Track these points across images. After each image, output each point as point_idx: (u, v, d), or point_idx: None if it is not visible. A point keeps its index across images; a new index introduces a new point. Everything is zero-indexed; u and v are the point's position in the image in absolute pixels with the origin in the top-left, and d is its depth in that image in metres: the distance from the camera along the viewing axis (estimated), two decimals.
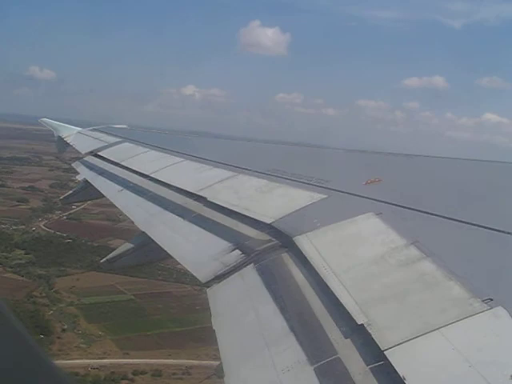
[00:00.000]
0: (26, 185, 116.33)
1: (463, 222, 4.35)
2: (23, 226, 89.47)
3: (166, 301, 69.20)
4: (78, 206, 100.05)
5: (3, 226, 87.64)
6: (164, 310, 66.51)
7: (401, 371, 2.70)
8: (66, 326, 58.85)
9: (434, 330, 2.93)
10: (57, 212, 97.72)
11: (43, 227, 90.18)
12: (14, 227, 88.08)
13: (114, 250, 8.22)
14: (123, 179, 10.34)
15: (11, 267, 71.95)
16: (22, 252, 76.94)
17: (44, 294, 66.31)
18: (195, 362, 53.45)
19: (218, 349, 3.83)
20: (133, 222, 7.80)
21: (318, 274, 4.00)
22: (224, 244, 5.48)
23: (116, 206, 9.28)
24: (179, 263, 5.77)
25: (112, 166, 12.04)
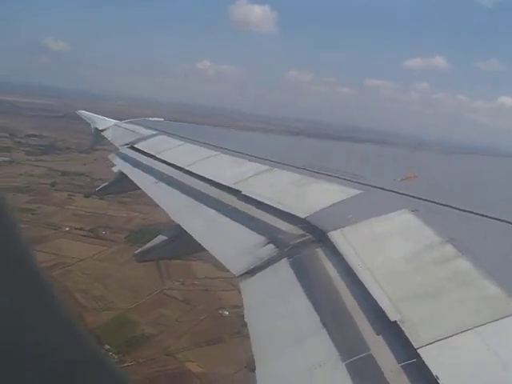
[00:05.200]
0: None
1: (500, 220, 4.28)
2: None
3: None
4: None
5: None
6: None
7: (434, 370, 2.67)
8: None
9: (469, 329, 2.89)
10: None
11: None
12: None
13: None
14: (158, 172, 10.39)
15: None
16: None
17: None
18: None
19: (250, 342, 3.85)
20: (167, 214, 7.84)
21: (351, 269, 3.99)
22: (258, 238, 5.48)
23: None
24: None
25: (147, 158, 12.10)
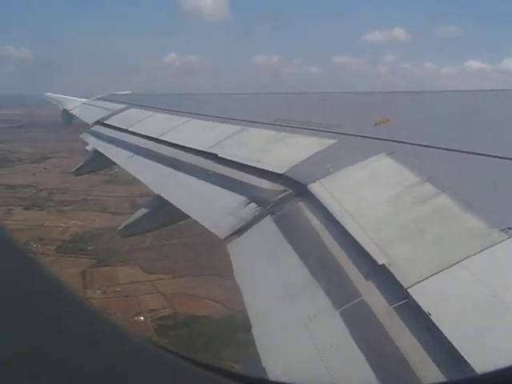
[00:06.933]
0: None
1: (475, 153, 4.31)
2: None
3: None
4: None
5: None
6: None
7: (425, 307, 2.72)
8: None
9: (455, 263, 2.93)
10: None
11: None
12: None
13: None
14: (133, 145, 10.33)
15: None
16: None
17: None
18: None
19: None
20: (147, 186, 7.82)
21: (335, 218, 4.01)
22: (239, 198, 5.48)
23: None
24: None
25: (120, 132, 12.01)
